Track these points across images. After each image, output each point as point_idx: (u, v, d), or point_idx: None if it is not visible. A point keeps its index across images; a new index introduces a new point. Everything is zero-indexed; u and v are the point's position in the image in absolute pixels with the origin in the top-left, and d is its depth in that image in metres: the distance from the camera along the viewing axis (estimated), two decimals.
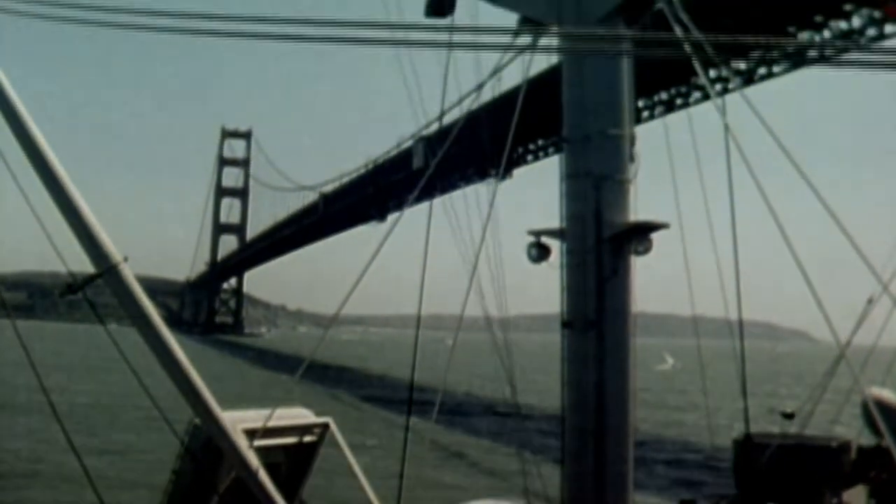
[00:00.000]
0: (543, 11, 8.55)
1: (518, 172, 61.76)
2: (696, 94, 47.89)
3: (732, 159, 7.84)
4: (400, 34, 5.22)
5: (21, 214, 6.06)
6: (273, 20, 5.26)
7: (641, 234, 8.23)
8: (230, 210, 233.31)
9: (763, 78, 44.15)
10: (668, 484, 32.14)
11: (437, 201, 9.79)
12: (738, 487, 10.15)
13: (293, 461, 8.26)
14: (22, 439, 37.59)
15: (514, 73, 9.15)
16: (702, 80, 11.31)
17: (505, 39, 8.00)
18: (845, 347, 8.32)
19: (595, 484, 8.15)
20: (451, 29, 5.70)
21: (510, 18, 8.81)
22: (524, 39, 8.51)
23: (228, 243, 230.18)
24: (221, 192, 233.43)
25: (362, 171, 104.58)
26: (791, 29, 40.82)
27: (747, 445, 9.82)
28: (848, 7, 38.63)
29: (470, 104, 10.08)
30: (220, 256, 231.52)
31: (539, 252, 8.53)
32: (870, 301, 10.07)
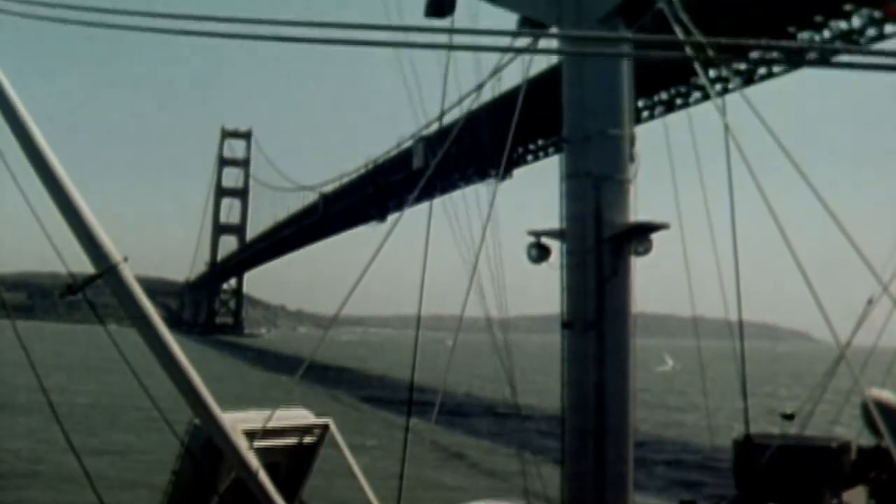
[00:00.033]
0: (543, 11, 8.55)
1: (518, 172, 61.85)
2: (696, 94, 47.93)
3: (732, 159, 7.85)
4: (400, 36, 5.21)
5: (21, 215, 6.06)
6: (273, 22, 5.26)
7: (641, 234, 8.22)
8: (230, 210, 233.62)
9: (763, 78, 44.19)
10: (667, 484, 32.14)
11: (437, 201, 9.80)
12: (738, 488, 10.14)
13: (293, 462, 8.26)
14: (22, 439, 37.59)
15: (514, 73, 9.17)
16: (702, 80, 11.32)
17: (505, 41, 8.00)
18: (845, 348, 8.31)
19: (595, 484, 8.14)
20: (451, 31, 5.70)
21: (510, 18, 8.83)
22: (524, 41, 8.51)
23: (228, 244, 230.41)
24: (221, 192, 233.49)
25: (362, 171, 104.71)
26: (791, 29, 40.84)
27: (747, 446, 9.81)
28: (848, 7, 38.64)
29: (470, 104, 10.10)
30: (219, 257, 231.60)
31: (539, 252, 8.53)
32: (870, 301, 10.06)
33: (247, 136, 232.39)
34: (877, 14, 37.75)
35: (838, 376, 9.81)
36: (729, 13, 36.25)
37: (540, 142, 61.76)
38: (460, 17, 9.04)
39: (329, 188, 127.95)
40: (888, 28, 37.76)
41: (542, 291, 9.82)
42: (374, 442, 35.21)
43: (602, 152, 8.25)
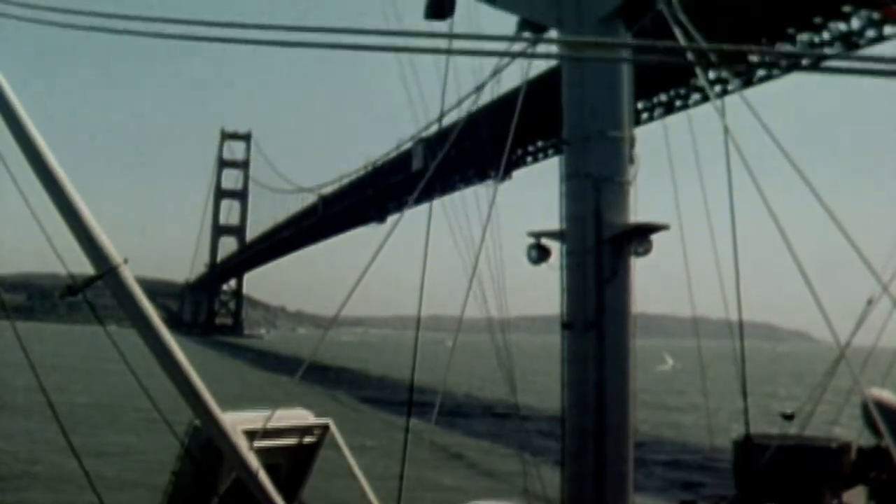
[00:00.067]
0: (543, 13, 8.56)
1: (517, 174, 61.89)
2: (696, 96, 47.95)
3: (732, 160, 7.85)
4: (400, 41, 5.22)
5: (21, 216, 6.06)
6: (273, 27, 5.26)
7: (641, 235, 8.23)
8: (230, 212, 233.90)
9: (762, 79, 44.19)
10: (667, 485, 32.14)
11: (437, 203, 9.80)
12: (738, 488, 10.15)
13: (293, 462, 8.25)
14: (21, 440, 37.58)
15: (514, 75, 9.16)
16: (701, 81, 11.32)
17: (504, 45, 8.00)
18: (845, 348, 8.31)
19: (595, 484, 8.14)
20: (451, 36, 5.71)
21: (510, 20, 8.83)
22: (523, 44, 8.51)
23: (228, 245, 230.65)
24: (221, 193, 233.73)
25: (361, 172, 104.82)
26: (790, 30, 40.88)
27: (747, 446, 9.82)
28: (847, 8, 38.65)
29: (469, 106, 10.09)
30: (219, 258, 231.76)
31: (539, 253, 8.53)
32: (869, 302, 10.07)
33: (246, 137, 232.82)
34: (875, 15, 37.76)
35: (838, 376, 9.81)
36: (728, 14, 36.26)
37: (539, 143, 61.83)
38: (460, 19, 9.05)
39: (328, 190, 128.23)
40: (887, 30, 37.79)
41: (542, 292, 9.83)
42: (374, 442, 35.20)
43: (602, 154, 8.25)
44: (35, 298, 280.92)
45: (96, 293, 6.14)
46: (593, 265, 8.17)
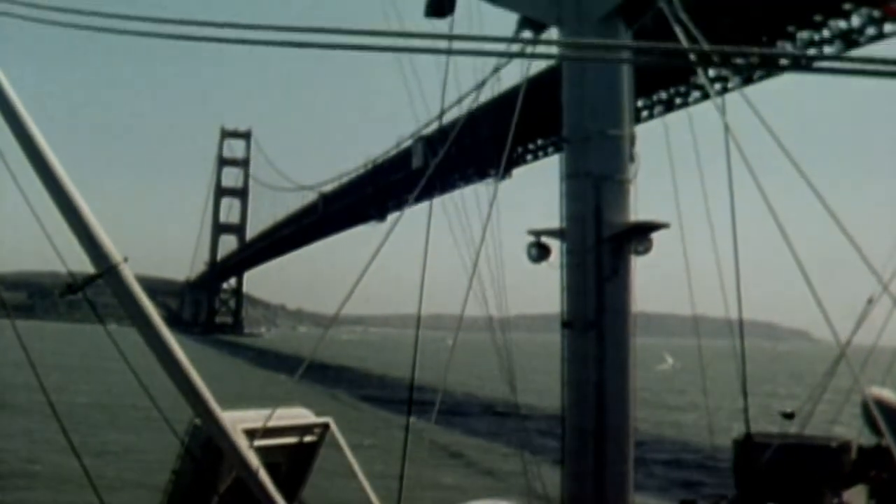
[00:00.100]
0: (543, 11, 8.55)
1: (518, 172, 61.78)
2: (696, 94, 47.90)
3: (732, 159, 7.85)
4: (400, 41, 5.21)
5: (21, 214, 6.06)
6: (273, 28, 5.25)
7: (641, 234, 8.23)
8: (230, 210, 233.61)
9: (763, 77, 44.14)
10: (667, 484, 32.15)
11: (437, 201, 9.79)
12: (738, 487, 10.15)
13: (293, 461, 8.25)
14: (21, 439, 37.60)
15: (514, 73, 9.16)
16: (701, 79, 11.32)
17: (505, 44, 7.99)
18: (845, 347, 8.32)
19: (595, 484, 8.15)
20: (451, 37, 5.70)
21: (510, 18, 8.82)
22: (524, 42, 8.51)
23: (228, 243, 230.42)
24: (221, 192, 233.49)
25: (362, 171, 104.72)
26: (790, 28, 40.85)
27: (747, 445, 9.82)
28: (847, 6, 38.62)
29: (470, 104, 10.09)
30: (219, 256, 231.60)
31: (539, 252, 8.53)
32: (870, 301, 10.07)
33: (246, 135, 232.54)
34: (876, 13, 37.73)
35: (838, 376, 9.82)
36: (729, 12, 36.24)
37: (539, 141, 61.73)
38: (460, 17, 9.04)
39: (328, 188, 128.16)
40: (888, 27, 37.75)
41: (542, 291, 9.82)
42: (374, 441, 35.20)
43: (602, 152, 8.25)
44: (35, 297, 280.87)
45: (96, 292, 6.14)
46: (593, 264, 8.17)
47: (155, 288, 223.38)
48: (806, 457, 9.98)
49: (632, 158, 8.39)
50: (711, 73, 9.73)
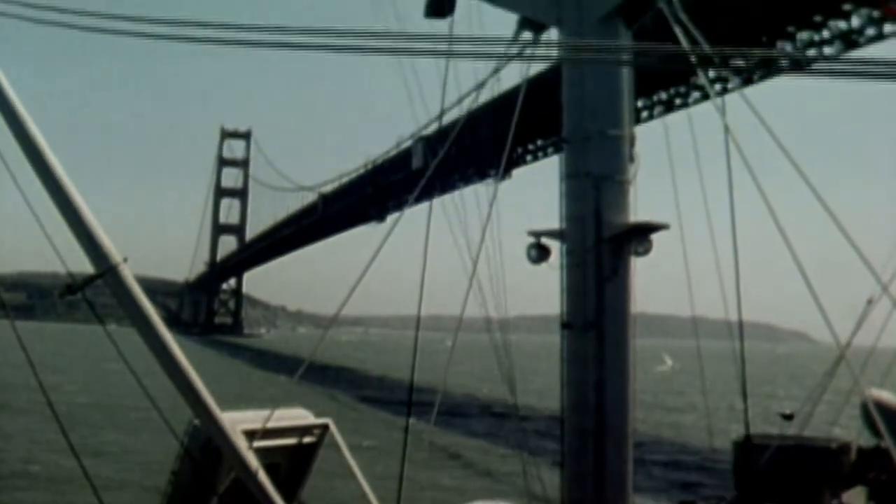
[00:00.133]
0: (543, 12, 8.55)
1: (517, 172, 61.79)
2: (696, 94, 47.87)
3: (732, 159, 7.84)
4: (400, 43, 5.22)
5: (21, 215, 6.06)
6: (274, 29, 5.26)
7: (641, 234, 8.22)
8: (229, 210, 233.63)
9: (762, 78, 44.11)
10: (667, 485, 32.15)
11: (437, 202, 9.79)
12: (738, 489, 10.14)
13: (293, 462, 8.24)
14: (21, 440, 37.59)
15: (514, 73, 9.16)
16: (701, 80, 11.31)
17: (505, 46, 7.99)
18: (845, 348, 8.31)
19: (595, 484, 8.14)
20: (451, 39, 5.71)
21: (510, 18, 8.82)
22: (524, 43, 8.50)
23: (228, 244, 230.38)
24: (221, 192, 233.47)
25: (361, 171, 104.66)
26: (790, 28, 40.85)
27: (747, 447, 9.81)
28: (847, 7, 38.62)
29: (469, 104, 10.08)
30: (219, 257, 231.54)
31: (539, 253, 8.53)
32: (869, 302, 10.06)
33: (246, 136, 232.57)
34: (876, 14, 37.73)
35: (838, 377, 9.81)
36: (729, 13, 36.25)
37: (539, 142, 61.71)
38: (460, 17, 9.04)
39: (328, 188, 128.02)
40: (887, 28, 37.75)
41: (541, 292, 9.82)
42: (373, 442, 35.19)
43: (602, 152, 8.25)
44: (35, 297, 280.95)
45: (96, 292, 6.14)
46: (593, 265, 8.16)
47: (154, 288, 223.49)
48: (805, 458, 9.98)
49: (632, 159, 8.38)
50: (711, 73, 9.72)
